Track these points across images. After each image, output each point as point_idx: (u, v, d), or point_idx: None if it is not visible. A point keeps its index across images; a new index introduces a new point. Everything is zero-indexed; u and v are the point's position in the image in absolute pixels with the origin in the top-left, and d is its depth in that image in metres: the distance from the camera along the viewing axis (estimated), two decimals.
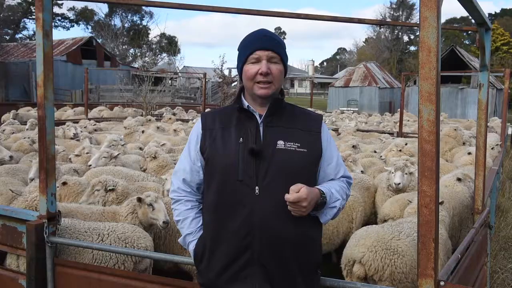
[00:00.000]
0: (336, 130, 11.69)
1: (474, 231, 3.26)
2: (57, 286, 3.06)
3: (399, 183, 5.13)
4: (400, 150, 7.58)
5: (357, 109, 31.35)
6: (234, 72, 27.09)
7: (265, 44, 2.01)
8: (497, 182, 7.26)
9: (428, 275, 1.94)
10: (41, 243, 3.00)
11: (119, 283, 2.90)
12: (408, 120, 16.15)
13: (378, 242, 3.31)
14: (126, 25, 50.95)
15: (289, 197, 1.85)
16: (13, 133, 9.97)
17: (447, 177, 5.32)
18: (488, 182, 4.78)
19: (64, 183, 4.65)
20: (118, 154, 6.21)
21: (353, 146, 7.94)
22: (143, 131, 10.64)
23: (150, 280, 2.90)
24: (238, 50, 2.11)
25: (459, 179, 5.16)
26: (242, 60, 2.06)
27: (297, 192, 1.85)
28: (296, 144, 1.99)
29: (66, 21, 48.68)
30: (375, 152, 8.03)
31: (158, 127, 11.04)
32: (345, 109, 30.67)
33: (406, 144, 7.94)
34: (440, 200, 4.06)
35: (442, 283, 2.02)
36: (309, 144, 2.02)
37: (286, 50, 2.11)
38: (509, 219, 6.90)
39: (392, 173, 5.27)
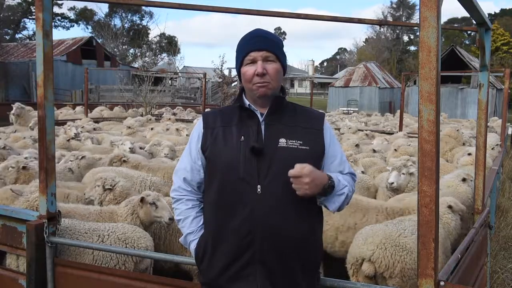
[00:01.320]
0: (337, 129, 11.71)
1: (474, 231, 3.26)
2: (57, 286, 3.06)
3: (392, 183, 5.12)
4: (395, 150, 7.58)
5: (357, 109, 31.35)
6: (234, 72, 27.06)
7: (259, 44, 2.01)
8: (497, 182, 7.26)
9: (428, 275, 1.94)
10: (41, 243, 3.00)
11: (119, 283, 2.90)
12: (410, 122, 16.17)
13: (386, 239, 3.32)
14: (126, 25, 51.02)
15: (291, 171, 1.85)
16: (15, 131, 9.98)
17: (450, 177, 5.27)
18: (488, 182, 4.78)
19: (24, 167, 5.14)
20: (83, 156, 6.09)
21: (356, 145, 7.95)
22: (152, 128, 10.70)
23: (150, 280, 2.90)
24: (235, 52, 2.11)
25: (464, 180, 5.07)
26: (239, 62, 2.06)
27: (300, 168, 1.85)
28: (299, 142, 1.99)
29: (66, 21, 48.77)
30: (374, 151, 8.03)
31: (168, 129, 11.14)
32: (345, 109, 30.66)
33: (409, 145, 7.93)
34: (448, 204, 4.02)
35: (442, 283, 2.02)
36: (312, 141, 2.02)
37: (286, 49, 2.11)
38: (509, 219, 6.90)
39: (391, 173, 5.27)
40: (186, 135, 9.98)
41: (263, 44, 2.01)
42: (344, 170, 2.12)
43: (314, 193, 1.90)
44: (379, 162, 7.14)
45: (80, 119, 12.99)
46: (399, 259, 3.24)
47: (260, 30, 2.10)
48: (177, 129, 10.60)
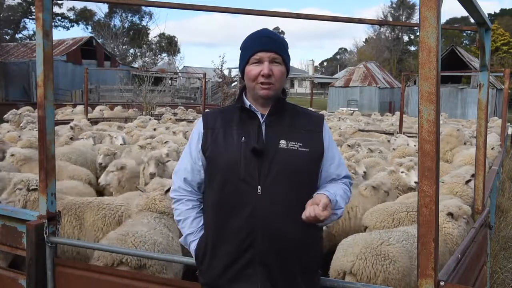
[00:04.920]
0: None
1: (474, 231, 3.26)
2: (57, 286, 3.06)
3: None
4: (394, 149, 7.58)
5: (357, 109, 31.33)
6: (234, 72, 27.11)
7: (267, 45, 2.00)
8: (497, 182, 7.25)
9: (428, 275, 1.94)
10: (41, 243, 3.00)
11: (119, 283, 2.90)
12: (405, 121, 16.13)
13: (366, 248, 3.14)
14: (126, 25, 50.99)
15: (320, 214, 1.84)
16: (8, 131, 9.96)
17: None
18: (488, 182, 4.77)
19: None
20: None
21: (358, 145, 7.94)
22: (155, 129, 10.68)
23: (150, 280, 2.90)
24: (240, 49, 2.10)
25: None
26: (244, 61, 2.05)
27: (324, 207, 1.86)
28: (298, 143, 2.00)
29: (66, 21, 48.67)
30: (371, 151, 8.03)
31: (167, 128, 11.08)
32: (345, 109, 30.65)
33: (407, 145, 7.93)
34: (448, 212, 3.68)
35: (442, 283, 2.02)
36: (311, 143, 2.03)
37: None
38: (509, 219, 6.90)
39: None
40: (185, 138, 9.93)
41: (271, 45, 2.01)
42: (341, 173, 2.14)
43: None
44: (381, 162, 7.14)
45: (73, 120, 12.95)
46: (380, 269, 3.04)
47: (268, 30, 2.10)
48: (174, 132, 10.55)
